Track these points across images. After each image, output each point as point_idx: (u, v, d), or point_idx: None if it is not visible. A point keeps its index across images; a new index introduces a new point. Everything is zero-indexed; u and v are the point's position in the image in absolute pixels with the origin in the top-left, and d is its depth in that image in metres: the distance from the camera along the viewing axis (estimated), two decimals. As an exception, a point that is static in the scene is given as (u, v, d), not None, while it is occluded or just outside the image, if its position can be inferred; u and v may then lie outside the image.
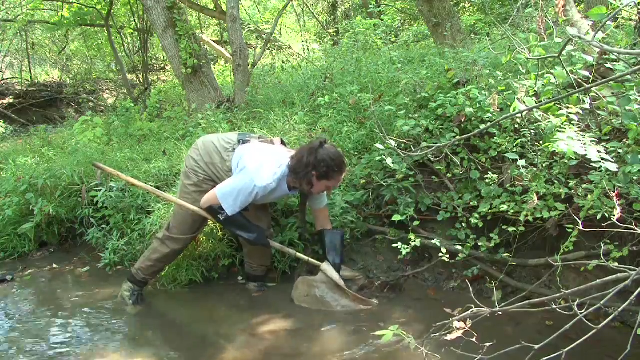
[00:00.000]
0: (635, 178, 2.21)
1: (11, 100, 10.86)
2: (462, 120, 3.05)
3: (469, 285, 2.30)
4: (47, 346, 2.61)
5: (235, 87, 5.22)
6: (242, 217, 2.72)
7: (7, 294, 3.37)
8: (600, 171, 2.26)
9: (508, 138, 2.82)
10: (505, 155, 2.71)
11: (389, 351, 2.31)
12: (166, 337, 2.69)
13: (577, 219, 2.05)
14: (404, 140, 3.11)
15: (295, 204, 3.22)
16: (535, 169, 2.59)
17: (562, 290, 1.61)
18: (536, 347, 1.51)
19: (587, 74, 2.57)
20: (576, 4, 4.54)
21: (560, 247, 2.29)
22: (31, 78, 11.99)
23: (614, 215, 1.88)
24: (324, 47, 9.64)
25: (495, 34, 5.22)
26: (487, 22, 6.54)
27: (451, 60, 3.71)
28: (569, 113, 2.44)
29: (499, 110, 2.90)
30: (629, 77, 2.44)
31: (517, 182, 2.63)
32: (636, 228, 1.73)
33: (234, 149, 2.75)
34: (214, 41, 9.82)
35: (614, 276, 1.54)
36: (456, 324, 1.71)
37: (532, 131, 2.71)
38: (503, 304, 1.67)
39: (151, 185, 3.41)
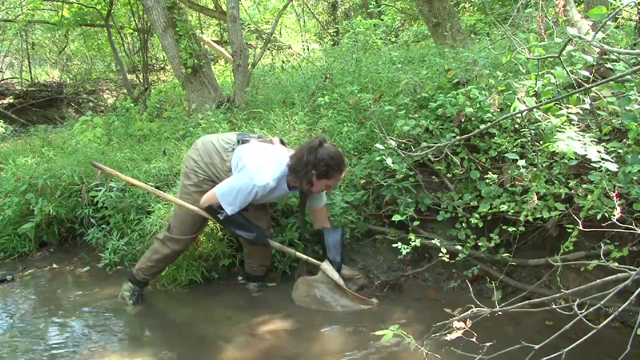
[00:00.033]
0: (635, 178, 2.21)
1: (11, 100, 10.86)
2: (462, 120, 3.05)
3: (469, 285, 2.30)
4: (47, 346, 2.61)
5: (235, 87, 5.22)
6: (242, 217, 2.72)
7: (7, 294, 3.37)
8: (600, 171, 2.26)
9: (508, 138, 2.82)
10: (505, 155, 2.71)
11: (389, 351, 2.31)
12: (166, 337, 2.69)
13: (577, 219, 2.05)
14: (404, 140, 3.11)
15: (295, 204, 3.22)
16: (535, 169, 2.59)
17: (562, 290, 1.61)
18: (536, 347, 1.51)
19: (587, 74, 2.57)
20: (576, 4, 4.54)
21: (560, 247, 2.29)
22: (31, 78, 11.99)
23: (614, 215, 1.88)
24: (324, 47, 9.65)
25: (495, 34, 5.22)
26: (487, 22, 6.54)
27: (451, 60, 3.71)
28: (569, 113, 2.44)
29: (499, 110, 2.90)
30: (629, 77, 2.44)
31: (517, 182, 2.63)
32: (636, 228, 1.73)
33: (234, 149, 2.75)
34: (214, 41, 9.83)
35: (614, 276, 1.54)
36: (456, 324, 1.70)
37: (532, 131, 2.71)
38: (503, 304, 1.67)
39: (151, 186, 3.41)
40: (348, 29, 6.88)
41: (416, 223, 2.96)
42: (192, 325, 2.79)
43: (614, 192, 2.11)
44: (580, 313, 1.47)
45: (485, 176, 2.77)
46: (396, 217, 2.95)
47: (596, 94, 2.55)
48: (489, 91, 3.07)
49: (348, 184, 3.27)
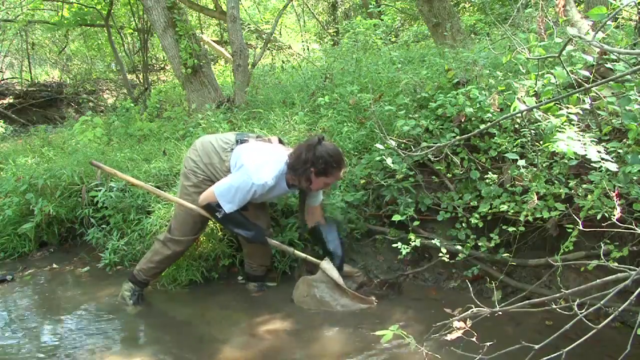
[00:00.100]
0: (635, 178, 2.21)
1: (11, 100, 10.87)
2: (462, 120, 3.05)
3: (469, 285, 2.30)
4: (47, 346, 2.61)
5: (235, 87, 5.22)
6: (240, 215, 2.71)
7: (7, 294, 3.37)
8: (600, 171, 2.26)
9: (508, 138, 2.82)
10: (505, 155, 2.71)
11: (389, 351, 2.31)
12: (166, 337, 2.69)
13: (577, 219, 2.05)
14: (404, 140, 3.11)
15: (295, 204, 3.22)
16: (535, 169, 2.59)
17: (562, 290, 1.61)
18: (536, 347, 1.51)
19: (587, 74, 2.57)
20: (576, 4, 4.54)
21: (560, 247, 2.30)
22: (31, 78, 11.99)
23: (614, 215, 1.88)
24: (324, 47, 9.65)
25: (495, 34, 5.22)
26: (487, 22, 6.53)
27: (451, 60, 3.71)
28: (569, 113, 2.44)
29: (499, 110, 2.90)
30: (629, 77, 2.44)
31: (517, 182, 2.63)
32: (636, 228, 1.73)
33: (232, 149, 2.74)
34: (214, 41, 9.83)
35: (614, 276, 1.54)
36: (456, 324, 1.70)
37: (532, 131, 2.71)
38: (503, 304, 1.67)
39: (151, 185, 3.41)
40: (348, 29, 6.87)
41: (416, 223, 2.96)
42: (192, 325, 2.79)
43: (614, 192, 2.11)
44: (580, 313, 1.47)
45: (485, 176, 2.77)
46: (396, 217, 2.95)
47: (596, 94, 2.55)
48: (489, 91, 3.07)
49: (348, 184, 3.27)
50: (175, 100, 7.11)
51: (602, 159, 2.17)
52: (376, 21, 6.86)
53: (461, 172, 2.98)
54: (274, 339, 2.54)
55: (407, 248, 2.82)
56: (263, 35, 9.03)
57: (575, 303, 1.52)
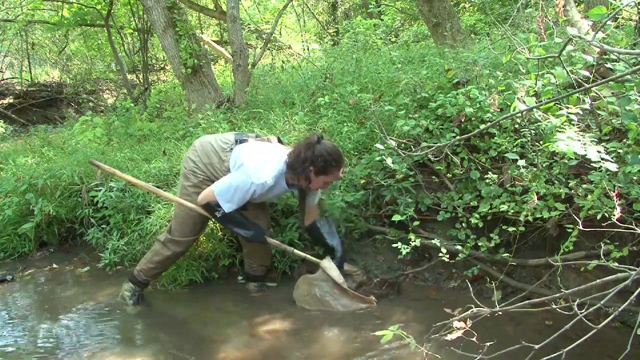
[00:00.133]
0: (635, 178, 2.21)
1: (11, 100, 10.87)
2: (462, 120, 3.05)
3: (469, 285, 2.30)
4: (47, 346, 2.61)
5: (235, 87, 5.22)
6: (239, 214, 2.71)
7: (7, 294, 3.37)
8: (600, 171, 2.26)
9: (508, 138, 2.82)
10: (505, 155, 2.71)
11: (389, 351, 2.31)
12: (166, 337, 2.69)
13: (577, 219, 2.05)
14: (404, 140, 3.11)
15: (296, 204, 3.22)
16: (535, 169, 2.59)
17: (562, 290, 1.61)
18: (536, 347, 1.51)
19: (587, 74, 2.57)
20: (576, 4, 4.54)
21: (560, 247, 2.29)
22: (31, 78, 11.99)
23: (614, 215, 1.88)
24: (324, 47, 9.65)
25: (495, 34, 5.22)
26: (487, 22, 6.54)
27: (451, 60, 3.71)
28: (569, 113, 2.44)
29: (499, 110, 2.90)
30: (629, 77, 2.44)
31: (517, 182, 2.63)
32: (636, 228, 1.73)
33: (232, 149, 2.74)
34: (214, 41, 9.82)
35: (614, 276, 1.54)
36: (456, 324, 1.70)
37: (532, 131, 2.71)
38: (503, 304, 1.67)
39: (150, 185, 3.41)
40: (348, 29, 6.87)
41: (416, 223, 2.96)
42: (192, 325, 2.79)
43: (614, 192, 2.11)
44: (580, 313, 1.47)
45: (485, 176, 2.77)
46: (396, 217, 2.95)
47: (596, 94, 2.55)
48: (489, 91, 3.07)
49: (348, 184, 3.27)
50: (175, 100, 7.11)
51: (602, 159, 2.17)
52: (376, 21, 6.86)
53: (461, 172, 2.98)
54: (274, 339, 2.54)
55: (407, 248, 2.82)
56: (263, 35, 9.03)
57: (575, 303, 1.52)
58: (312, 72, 5.25)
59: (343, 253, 2.90)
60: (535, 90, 2.65)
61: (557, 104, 2.51)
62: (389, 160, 2.91)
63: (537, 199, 2.47)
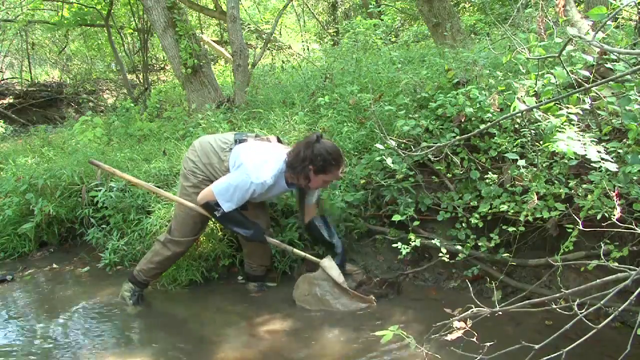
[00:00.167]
0: (635, 178, 2.21)
1: (11, 100, 10.87)
2: (462, 120, 3.05)
3: (469, 285, 2.30)
4: (47, 346, 2.61)
5: (235, 87, 5.22)
6: (239, 214, 2.71)
7: (7, 294, 3.37)
8: (600, 171, 2.26)
9: (508, 138, 2.82)
10: (505, 155, 2.71)
11: (389, 351, 2.31)
12: (166, 337, 2.69)
13: (577, 219, 2.04)
14: (404, 140, 3.11)
15: (296, 204, 3.22)
16: (535, 169, 2.59)
17: (562, 290, 1.61)
18: (536, 347, 1.51)
19: (587, 74, 2.57)
20: (576, 4, 4.54)
21: (560, 247, 2.29)
22: (31, 78, 11.99)
23: (614, 215, 1.88)
24: (324, 47, 9.65)
25: (495, 34, 5.22)
26: (487, 22, 6.54)
27: (451, 60, 3.71)
28: (569, 113, 2.44)
29: (499, 110, 2.90)
30: (629, 77, 2.44)
31: (517, 182, 2.63)
32: (636, 228, 1.73)
33: (231, 149, 2.74)
34: (214, 41, 9.82)
35: (614, 276, 1.53)
36: (456, 324, 1.70)
37: (532, 131, 2.71)
38: (503, 304, 1.67)
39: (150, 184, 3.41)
40: (348, 29, 6.88)
41: (416, 223, 2.96)
42: (192, 325, 2.79)
43: (614, 192, 2.11)
44: (580, 313, 1.47)
45: (485, 176, 2.77)
46: (396, 217, 2.95)
47: (596, 94, 2.55)
48: (489, 91, 3.07)
49: (348, 183, 3.27)
50: (175, 100, 7.11)
51: (602, 159, 2.17)
52: (376, 21, 6.86)
53: (461, 172, 2.98)
54: (274, 339, 2.54)
55: (407, 248, 2.82)
56: (263, 35, 9.02)
57: (575, 303, 1.52)
58: (312, 72, 5.25)
59: (343, 254, 2.90)
60: (535, 90, 2.65)
61: (557, 104, 2.50)
62: (389, 160, 2.91)
63: (537, 199, 2.47)
